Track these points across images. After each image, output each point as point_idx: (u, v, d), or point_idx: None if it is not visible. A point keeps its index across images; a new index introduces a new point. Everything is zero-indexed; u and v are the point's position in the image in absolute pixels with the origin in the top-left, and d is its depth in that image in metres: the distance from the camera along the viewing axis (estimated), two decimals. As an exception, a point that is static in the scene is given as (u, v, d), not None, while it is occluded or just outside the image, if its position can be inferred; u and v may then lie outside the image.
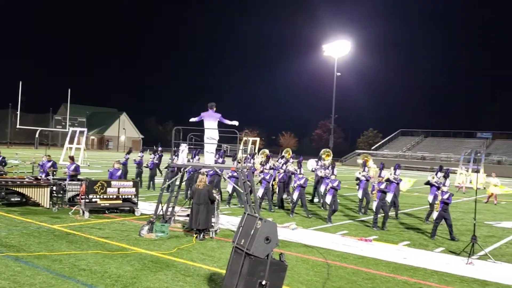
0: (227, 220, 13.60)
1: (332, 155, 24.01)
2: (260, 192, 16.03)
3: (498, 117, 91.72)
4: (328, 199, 14.72)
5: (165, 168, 20.07)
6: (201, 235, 10.97)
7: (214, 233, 11.38)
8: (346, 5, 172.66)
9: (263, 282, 6.43)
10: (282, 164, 18.35)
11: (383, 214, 13.56)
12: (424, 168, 55.58)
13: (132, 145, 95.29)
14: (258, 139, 43.44)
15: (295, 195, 15.41)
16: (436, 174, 15.90)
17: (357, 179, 16.91)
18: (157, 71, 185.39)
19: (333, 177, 15.23)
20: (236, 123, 12.20)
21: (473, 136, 74.23)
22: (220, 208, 12.54)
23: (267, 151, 25.52)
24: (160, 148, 24.45)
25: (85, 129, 34.52)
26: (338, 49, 68.89)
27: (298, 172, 15.94)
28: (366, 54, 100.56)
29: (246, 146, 26.66)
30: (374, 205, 13.87)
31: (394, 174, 15.93)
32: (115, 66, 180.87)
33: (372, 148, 79.17)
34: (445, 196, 12.65)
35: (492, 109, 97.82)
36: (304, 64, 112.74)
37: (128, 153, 22.03)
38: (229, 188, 16.73)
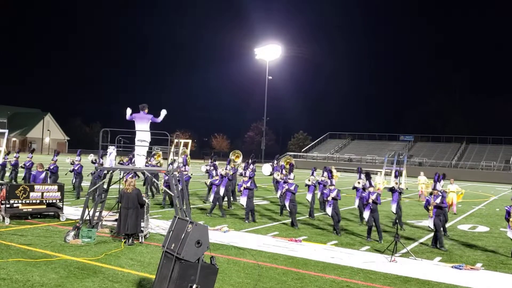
0: (157, 224, 13.40)
1: (241, 156, 24.22)
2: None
3: (419, 121, 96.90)
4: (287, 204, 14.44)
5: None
6: (130, 240, 10.74)
7: (143, 237, 11.17)
8: (277, 10, 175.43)
9: (194, 286, 6.40)
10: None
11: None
12: (351, 169, 57.26)
13: (58, 147, 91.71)
14: (190, 141, 43.11)
15: (329, 210, 13.79)
16: (360, 178, 16.27)
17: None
18: (84, 70, 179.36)
19: (290, 180, 14.74)
20: (164, 111, 12.00)
21: (397, 139, 77.72)
22: (149, 212, 12.34)
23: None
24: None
25: (6, 131, 32.77)
26: (269, 52, 69.86)
27: (330, 183, 14.46)
28: (297, 58, 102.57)
29: (177, 148, 26.39)
30: (430, 222, 12.53)
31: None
32: (39, 65, 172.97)
33: (302, 150, 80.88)
34: (438, 200, 12.20)
35: (413, 113, 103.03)
36: (237, 67, 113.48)
37: (21, 152, 21.16)
38: (243, 201, 15.31)
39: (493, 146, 68.86)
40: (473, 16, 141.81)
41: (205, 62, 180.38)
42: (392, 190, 15.02)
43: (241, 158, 24.07)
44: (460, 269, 10.07)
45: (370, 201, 12.64)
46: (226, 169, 17.60)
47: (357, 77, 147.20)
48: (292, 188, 14.38)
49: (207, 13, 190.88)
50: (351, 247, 11.83)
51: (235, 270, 9.03)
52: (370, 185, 13.27)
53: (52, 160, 19.19)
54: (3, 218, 12.66)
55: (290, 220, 14.58)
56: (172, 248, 6.62)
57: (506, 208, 11.81)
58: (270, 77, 72.76)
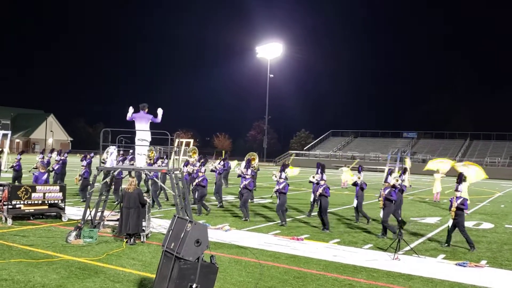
0: (158, 224, 13.37)
1: (197, 152, 24.51)
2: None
3: (422, 117, 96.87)
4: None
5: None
6: (132, 240, 10.70)
7: (145, 237, 11.14)
8: (278, 8, 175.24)
9: (194, 286, 6.36)
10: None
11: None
12: (354, 167, 57.02)
13: (61, 147, 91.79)
14: (191, 140, 43.06)
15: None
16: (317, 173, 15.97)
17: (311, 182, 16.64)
18: (87, 71, 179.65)
19: (247, 176, 15.58)
20: (160, 110, 12.00)
21: (400, 136, 77.50)
22: (151, 211, 12.31)
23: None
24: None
25: (9, 132, 32.78)
26: (270, 51, 69.81)
27: (279, 177, 14.90)
28: (298, 56, 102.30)
29: (179, 148, 26.38)
30: (381, 213, 13.10)
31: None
32: (42, 66, 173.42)
33: (305, 148, 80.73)
34: (386, 191, 12.75)
35: (416, 110, 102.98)
36: (238, 66, 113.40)
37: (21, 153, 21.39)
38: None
39: (497, 142, 68.61)
40: (478, 12, 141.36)
41: (206, 61, 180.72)
42: (355, 184, 15.58)
43: (197, 155, 24.22)
44: (464, 266, 9.99)
45: (318, 193, 13.69)
46: (194, 166, 17.76)
47: (359, 75, 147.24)
48: (246, 182, 15.09)
49: (208, 12, 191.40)
50: (353, 245, 11.76)
51: (237, 269, 8.99)
52: (322, 178, 14.07)
53: (16, 159, 19.84)
54: (6, 219, 12.65)
55: (294, 218, 14.56)
56: (171, 247, 6.59)
57: (451, 199, 12.11)
58: (272, 75, 72.75)
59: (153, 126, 12.14)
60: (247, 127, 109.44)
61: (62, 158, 21.83)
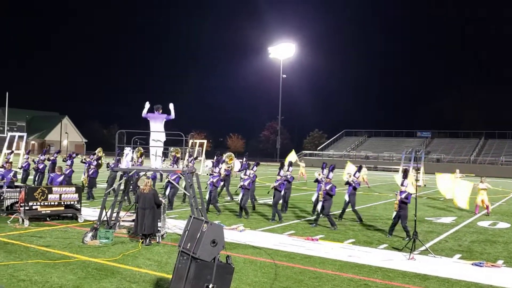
0: (174, 224, 13.43)
1: (180, 152, 24.81)
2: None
3: (436, 116, 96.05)
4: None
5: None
6: (147, 240, 10.77)
7: (160, 237, 11.20)
8: (291, 8, 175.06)
9: (210, 286, 6.39)
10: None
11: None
12: (368, 166, 56.83)
13: (75, 149, 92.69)
14: (205, 141, 43.24)
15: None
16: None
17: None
18: (101, 73, 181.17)
19: (215, 173, 16.81)
20: (171, 105, 12.18)
21: (414, 136, 76.86)
22: (166, 212, 12.38)
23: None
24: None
25: (25, 134, 33.17)
26: (283, 51, 69.78)
27: (245, 173, 16.39)
28: (310, 56, 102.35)
29: (193, 149, 26.56)
30: (319, 205, 14.07)
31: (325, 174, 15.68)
32: (57, 68, 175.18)
33: (318, 148, 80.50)
34: (328, 187, 13.79)
35: (430, 109, 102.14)
36: (251, 66, 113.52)
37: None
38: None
39: (512, 141, 67.76)
40: (490, 9, 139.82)
41: (219, 62, 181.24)
42: (316, 181, 15.84)
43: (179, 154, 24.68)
44: (481, 266, 9.90)
45: (271, 187, 15.00)
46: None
47: (372, 74, 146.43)
48: (215, 180, 16.22)
49: (221, 13, 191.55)
50: (368, 245, 11.72)
51: (252, 269, 9.00)
52: (278, 174, 15.10)
53: (6, 158, 20.51)
54: (23, 220, 12.80)
55: (306, 219, 14.57)
56: (188, 247, 6.62)
57: (396, 193, 12.83)
58: (284, 76, 72.69)
59: (168, 125, 12.21)
60: (260, 127, 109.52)
61: (52, 158, 22.68)
